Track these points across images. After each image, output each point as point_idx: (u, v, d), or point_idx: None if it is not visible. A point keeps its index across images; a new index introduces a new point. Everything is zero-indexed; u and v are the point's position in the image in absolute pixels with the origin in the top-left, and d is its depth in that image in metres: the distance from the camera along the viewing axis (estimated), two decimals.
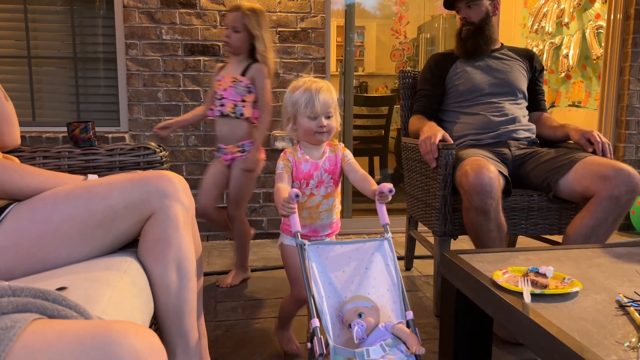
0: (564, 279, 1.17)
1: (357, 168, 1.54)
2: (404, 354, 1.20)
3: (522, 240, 2.49)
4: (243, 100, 2.15)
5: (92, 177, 1.26)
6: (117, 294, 0.92)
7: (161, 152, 1.59)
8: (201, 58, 2.99)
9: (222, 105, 2.16)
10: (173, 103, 2.99)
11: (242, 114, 2.15)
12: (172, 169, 2.98)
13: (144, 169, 1.55)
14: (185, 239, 1.17)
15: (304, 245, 1.25)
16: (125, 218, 1.12)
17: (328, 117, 1.47)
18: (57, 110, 3.09)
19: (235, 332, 1.87)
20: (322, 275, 1.25)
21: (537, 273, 1.20)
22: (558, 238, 2.06)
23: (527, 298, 1.05)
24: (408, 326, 1.27)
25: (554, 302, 1.06)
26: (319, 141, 1.50)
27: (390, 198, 1.39)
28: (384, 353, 1.19)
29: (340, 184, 1.57)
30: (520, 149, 2.09)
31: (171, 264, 1.13)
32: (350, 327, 1.19)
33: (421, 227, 2.38)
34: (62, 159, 1.51)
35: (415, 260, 2.59)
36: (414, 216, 2.37)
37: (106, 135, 2.85)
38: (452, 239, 1.97)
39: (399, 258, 2.71)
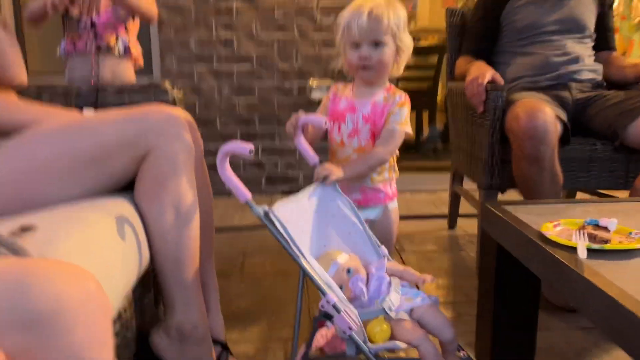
0: (630, 233, 0.96)
1: (384, 141, 1.23)
2: (415, 289, 1.08)
3: (581, 197, 2.22)
4: None
5: (88, 112, 1.15)
6: (91, 236, 0.81)
7: (174, 91, 1.46)
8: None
9: None
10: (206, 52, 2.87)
11: None
12: (204, 122, 2.88)
13: None
14: (185, 181, 1.04)
15: (268, 213, 0.95)
16: (119, 156, 1.00)
17: (376, 45, 1.20)
18: None
19: (261, 287, 1.76)
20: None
21: (597, 226, 1.00)
22: (624, 194, 1.81)
23: (583, 253, 0.85)
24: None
25: (616, 260, 0.86)
26: (364, 80, 1.25)
27: (328, 183, 1.14)
28: (402, 295, 1.05)
29: None
30: (583, 92, 1.83)
31: (168, 208, 1.01)
32: (352, 287, 1.04)
33: (467, 184, 2.17)
34: (69, 96, 1.41)
35: (459, 219, 2.39)
36: (459, 170, 2.16)
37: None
38: (499, 193, 1.76)
39: (442, 216, 2.52)
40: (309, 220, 1.12)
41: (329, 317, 0.93)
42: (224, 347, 1.25)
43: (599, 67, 1.91)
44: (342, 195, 1.16)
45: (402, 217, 2.51)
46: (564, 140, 1.63)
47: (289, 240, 0.97)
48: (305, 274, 0.97)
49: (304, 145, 1.20)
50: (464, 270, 1.89)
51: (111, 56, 1.62)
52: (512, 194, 1.78)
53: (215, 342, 1.22)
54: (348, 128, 1.26)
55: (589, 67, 1.88)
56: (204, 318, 1.10)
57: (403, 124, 1.26)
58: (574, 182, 1.72)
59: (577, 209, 1.16)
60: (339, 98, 1.29)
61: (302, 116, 1.16)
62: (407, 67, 1.32)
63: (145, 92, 1.42)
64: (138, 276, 1.00)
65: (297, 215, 1.07)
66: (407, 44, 1.24)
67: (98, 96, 1.38)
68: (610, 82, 1.91)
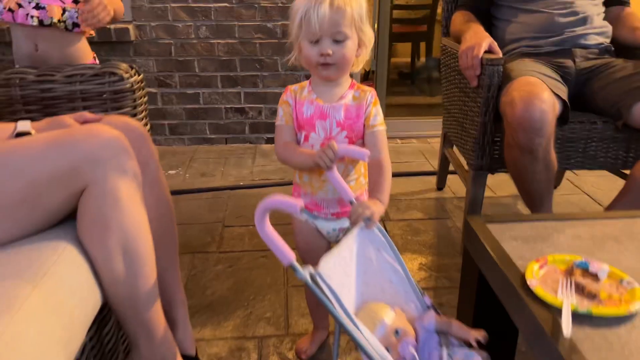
0: (621, 280, 0.88)
1: (379, 146, 1.12)
2: (465, 349, 0.97)
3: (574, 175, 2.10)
4: None
5: (23, 126, 1.02)
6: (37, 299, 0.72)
7: (132, 77, 1.31)
8: None
9: None
10: None
11: None
12: (184, 64, 2.69)
13: (111, 99, 1.29)
14: (131, 216, 0.93)
15: (314, 275, 0.84)
16: (52, 193, 0.89)
17: (337, 42, 1.04)
18: None
19: (238, 268, 1.71)
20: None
21: (586, 272, 0.92)
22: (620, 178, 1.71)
23: (567, 328, 0.77)
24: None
25: (603, 328, 0.79)
26: (323, 78, 1.10)
27: (373, 225, 1.02)
28: (454, 357, 0.96)
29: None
30: (589, 59, 1.66)
31: (115, 250, 0.91)
32: (402, 353, 0.96)
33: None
34: (12, 87, 1.26)
35: (449, 176, 2.29)
36: (449, 136, 2.03)
37: (108, 27, 2.54)
38: (489, 174, 1.66)
39: (431, 173, 2.43)
40: (350, 272, 1.00)
41: None
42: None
43: (608, 28, 1.73)
44: (381, 236, 1.03)
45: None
46: (562, 119, 1.50)
47: (336, 306, 0.85)
48: (353, 340, 0.85)
49: (338, 179, 1.06)
50: (449, 246, 1.83)
51: (58, 31, 1.43)
52: (502, 179, 1.69)
53: (186, 357, 1.19)
54: (320, 137, 1.12)
55: (597, 30, 1.70)
56: (171, 348, 1.05)
57: (381, 121, 1.15)
58: (568, 162, 1.61)
59: (568, 231, 1.07)
60: (300, 103, 1.13)
61: (340, 148, 1.02)
62: None
63: (98, 79, 1.26)
64: (93, 316, 0.93)
65: (339, 269, 0.96)
66: (370, 36, 1.09)
67: (43, 88, 1.23)
68: (619, 46, 1.73)
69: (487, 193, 1.77)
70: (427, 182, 2.36)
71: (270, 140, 2.84)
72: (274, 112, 2.84)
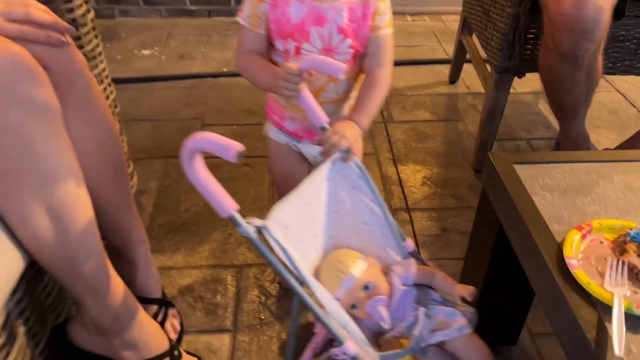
0: None
1: (381, 56, 0.89)
2: (448, 306, 0.85)
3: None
4: None
5: None
6: None
7: None
8: None
9: None
10: None
11: None
12: None
13: None
14: (50, 160, 0.70)
15: (261, 228, 0.68)
16: None
17: None
18: None
19: (218, 178, 1.49)
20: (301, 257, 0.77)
21: None
22: None
23: (619, 345, 0.58)
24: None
25: None
26: None
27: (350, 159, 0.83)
28: (434, 315, 0.83)
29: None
30: None
31: (34, 207, 0.70)
32: (370, 312, 0.80)
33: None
34: None
35: (465, 66, 1.98)
36: (469, 21, 1.70)
37: None
38: (516, 77, 1.38)
39: (444, 62, 2.12)
40: (316, 214, 0.83)
41: None
42: (162, 303, 1.06)
43: None
44: (358, 170, 0.84)
45: (397, 63, 2.14)
46: (616, 13, 1.19)
47: (290, 265, 0.71)
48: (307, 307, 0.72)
49: (307, 100, 0.83)
50: (457, 156, 1.60)
51: None
52: (532, 80, 1.40)
53: (149, 300, 1.03)
54: (317, 48, 0.86)
55: None
56: (126, 305, 0.88)
57: (389, 22, 0.89)
58: (614, 67, 1.33)
59: (617, 178, 0.84)
60: (283, 4, 0.84)
61: (304, 62, 0.78)
62: None
63: None
64: (15, 278, 0.74)
65: (301, 212, 0.79)
66: None
67: None
68: None
69: None
70: (438, 73, 2.06)
71: None
72: None
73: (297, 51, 0.86)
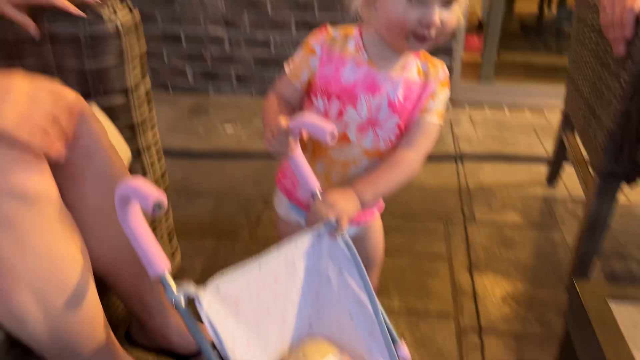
0: None
1: (416, 142, 0.78)
2: None
3: None
4: None
5: None
6: None
7: (120, 13, 0.96)
8: None
9: None
10: None
11: None
12: (251, 3, 2.32)
13: (90, 45, 0.96)
14: (47, 253, 0.62)
15: (194, 297, 0.57)
16: None
17: (446, 5, 0.68)
18: None
19: None
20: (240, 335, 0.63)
21: None
22: None
23: None
24: None
25: None
26: (409, 48, 0.73)
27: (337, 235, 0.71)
28: None
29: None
30: None
31: (29, 308, 0.62)
32: None
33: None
34: None
35: (566, 167, 1.73)
36: (572, 116, 1.49)
37: None
38: (624, 183, 1.14)
39: (542, 160, 1.88)
40: (285, 295, 0.69)
41: None
42: None
43: None
44: (346, 250, 0.70)
45: (488, 157, 1.93)
46: None
47: (218, 347, 0.58)
48: None
49: (301, 164, 0.74)
50: (551, 273, 1.34)
51: None
52: None
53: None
54: (361, 116, 0.77)
55: None
56: None
57: (441, 112, 0.79)
58: None
59: None
60: (338, 59, 0.77)
61: (294, 121, 0.69)
62: None
63: (71, 19, 0.93)
64: None
65: (262, 289, 0.66)
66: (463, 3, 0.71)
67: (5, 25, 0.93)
68: None
69: None
70: (534, 172, 1.83)
71: None
72: None
73: (340, 114, 0.77)
